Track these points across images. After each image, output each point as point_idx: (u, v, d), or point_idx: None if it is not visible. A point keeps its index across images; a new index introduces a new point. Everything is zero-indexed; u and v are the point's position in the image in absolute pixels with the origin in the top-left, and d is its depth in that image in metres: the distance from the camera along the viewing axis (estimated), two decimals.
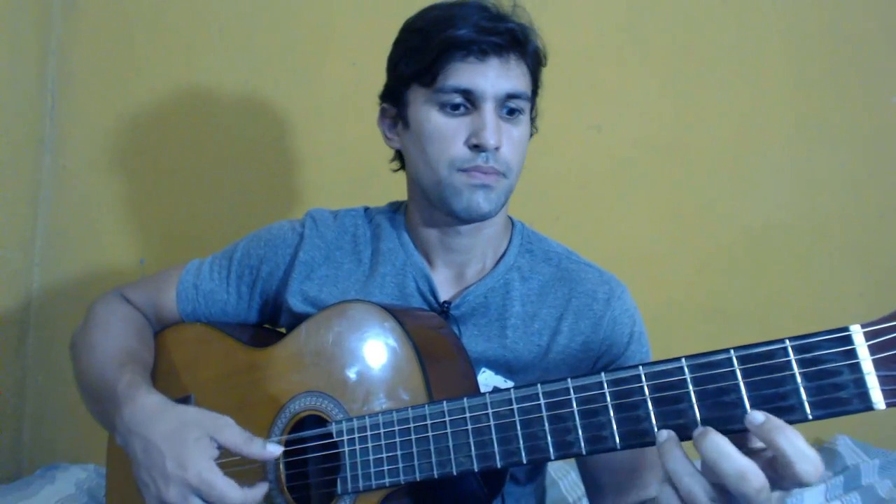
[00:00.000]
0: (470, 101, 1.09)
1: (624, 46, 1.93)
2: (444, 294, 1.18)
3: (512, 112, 1.11)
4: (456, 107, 1.09)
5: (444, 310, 1.16)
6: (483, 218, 1.12)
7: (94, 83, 1.94)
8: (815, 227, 1.88)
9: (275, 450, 0.97)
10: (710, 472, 0.71)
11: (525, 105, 1.13)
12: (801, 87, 1.89)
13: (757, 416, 0.69)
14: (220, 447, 0.96)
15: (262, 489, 0.96)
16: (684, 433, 0.73)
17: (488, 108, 1.08)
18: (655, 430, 0.75)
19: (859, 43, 1.88)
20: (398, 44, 1.17)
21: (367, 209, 1.30)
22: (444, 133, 1.09)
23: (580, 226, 1.89)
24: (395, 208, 1.28)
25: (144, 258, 1.91)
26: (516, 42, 1.10)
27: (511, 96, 1.09)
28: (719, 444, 0.70)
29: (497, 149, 1.08)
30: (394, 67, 1.17)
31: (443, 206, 1.12)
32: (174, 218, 1.93)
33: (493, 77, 1.08)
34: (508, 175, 1.11)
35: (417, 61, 1.11)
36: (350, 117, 1.87)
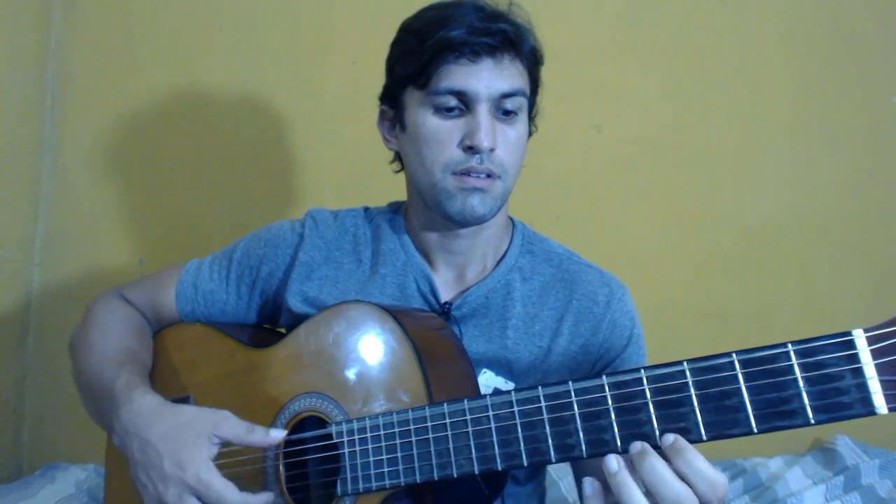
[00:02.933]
0: (464, 102, 1.08)
1: (624, 46, 1.92)
2: (445, 295, 1.18)
3: (508, 112, 1.10)
4: (450, 109, 1.08)
5: (444, 311, 1.16)
6: (479, 221, 1.11)
7: (94, 83, 1.93)
8: (815, 227, 1.88)
9: (277, 434, 0.96)
10: (650, 495, 0.74)
11: (522, 105, 1.12)
12: (801, 87, 1.89)
13: (667, 437, 0.74)
14: (220, 442, 0.96)
15: (265, 497, 0.96)
16: (686, 437, 0.74)
17: (482, 110, 1.07)
18: (658, 433, 0.75)
19: (859, 43, 1.88)
20: (395, 45, 1.16)
21: (367, 209, 1.30)
22: (439, 135, 1.09)
23: (580, 226, 1.89)
24: (396, 209, 1.28)
25: (144, 258, 1.91)
26: (509, 42, 1.08)
27: (506, 96, 1.08)
28: (657, 468, 0.73)
29: (492, 150, 1.08)
30: (390, 69, 1.16)
31: (438, 209, 1.12)
32: (174, 218, 1.93)
33: (487, 78, 1.07)
34: (504, 177, 1.10)
35: (411, 63, 1.10)
36: (350, 117, 1.87)
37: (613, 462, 0.75)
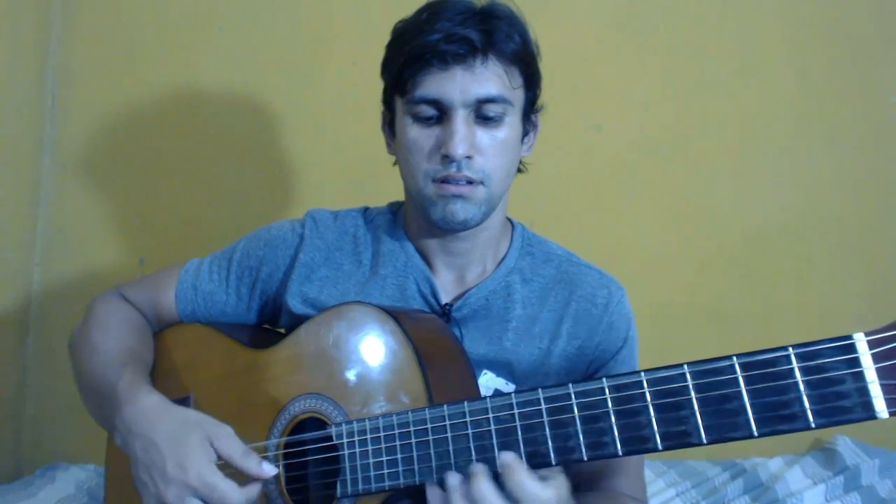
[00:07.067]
0: (440, 110, 1.07)
1: (624, 46, 1.92)
2: (446, 297, 1.18)
3: (488, 118, 1.08)
4: (429, 117, 1.07)
5: (445, 312, 1.16)
6: (463, 227, 1.11)
7: (93, 83, 1.93)
8: (815, 227, 1.88)
9: (269, 470, 0.95)
10: None
11: (504, 108, 1.08)
12: (802, 87, 1.89)
13: (503, 457, 0.83)
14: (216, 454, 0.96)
15: (255, 488, 0.95)
16: (686, 440, 0.74)
17: (457, 117, 1.05)
18: (658, 436, 0.75)
19: (859, 43, 1.88)
20: (386, 48, 1.16)
21: (366, 210, 1.29)
22: (418, 144, 1.08)
23: (580, 226, 1.89)
24: (395, 209, 1.28)
25: (144, 258, 1.91)
26: (475, 49, 1.05)
27: (483, 102, 1.06)
28: (482, 490, 0.82)
29: (469, 157, 1.06)
30: (382, 74, 1.17)
31: (424, 215, 1.12)
32: (173, 218, 1.93)
33: (460, 84, 1.05)
34: (487, 182, 1.09)
35: (392, 71, 1.11)
36: (350, 117, 1.87)
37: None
